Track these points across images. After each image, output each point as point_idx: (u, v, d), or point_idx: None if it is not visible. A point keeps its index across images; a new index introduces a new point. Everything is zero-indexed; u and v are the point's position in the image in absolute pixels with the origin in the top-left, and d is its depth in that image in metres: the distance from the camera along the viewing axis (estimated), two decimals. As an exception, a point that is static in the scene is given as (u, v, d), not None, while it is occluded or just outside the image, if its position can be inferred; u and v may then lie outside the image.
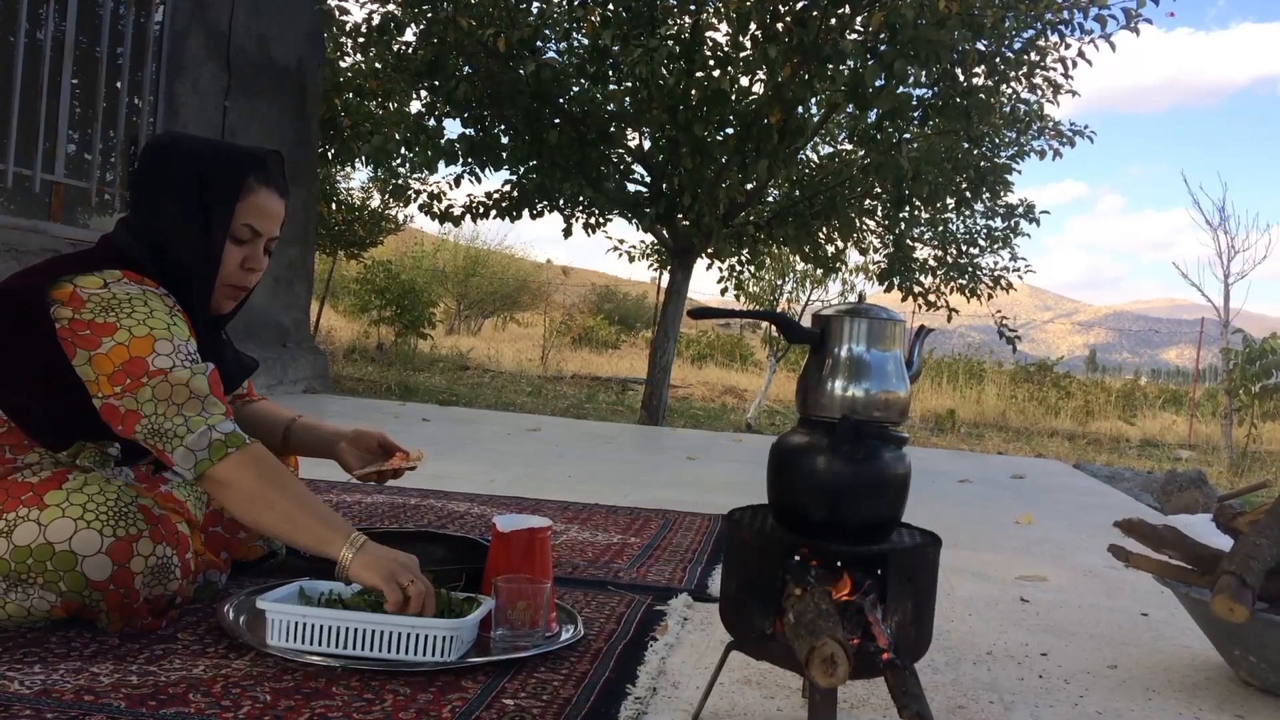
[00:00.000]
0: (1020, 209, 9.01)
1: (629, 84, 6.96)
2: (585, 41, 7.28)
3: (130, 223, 1.81)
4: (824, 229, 8.54)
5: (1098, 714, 1.74)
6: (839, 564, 1.46)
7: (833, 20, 6.32)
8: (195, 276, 1.79)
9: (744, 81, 7.17)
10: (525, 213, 7.92)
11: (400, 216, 12.12)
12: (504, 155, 7.51)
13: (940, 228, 9.31)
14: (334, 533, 1.67)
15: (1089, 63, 6.73)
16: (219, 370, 1.79)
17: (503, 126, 7.53)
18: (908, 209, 8.44)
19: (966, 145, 7.68)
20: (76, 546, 1.60)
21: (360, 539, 1.67)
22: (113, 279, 1.70)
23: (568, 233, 8.29)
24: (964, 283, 8.90)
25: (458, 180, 7.94)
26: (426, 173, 8.45)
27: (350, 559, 1.63)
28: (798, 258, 9.70)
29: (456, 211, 8.12)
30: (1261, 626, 1.81)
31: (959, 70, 6.49)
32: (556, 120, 7.23)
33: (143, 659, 1.56)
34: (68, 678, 1.47)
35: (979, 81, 6.76)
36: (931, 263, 9.06)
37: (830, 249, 9.02)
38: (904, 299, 8.77)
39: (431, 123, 7.63)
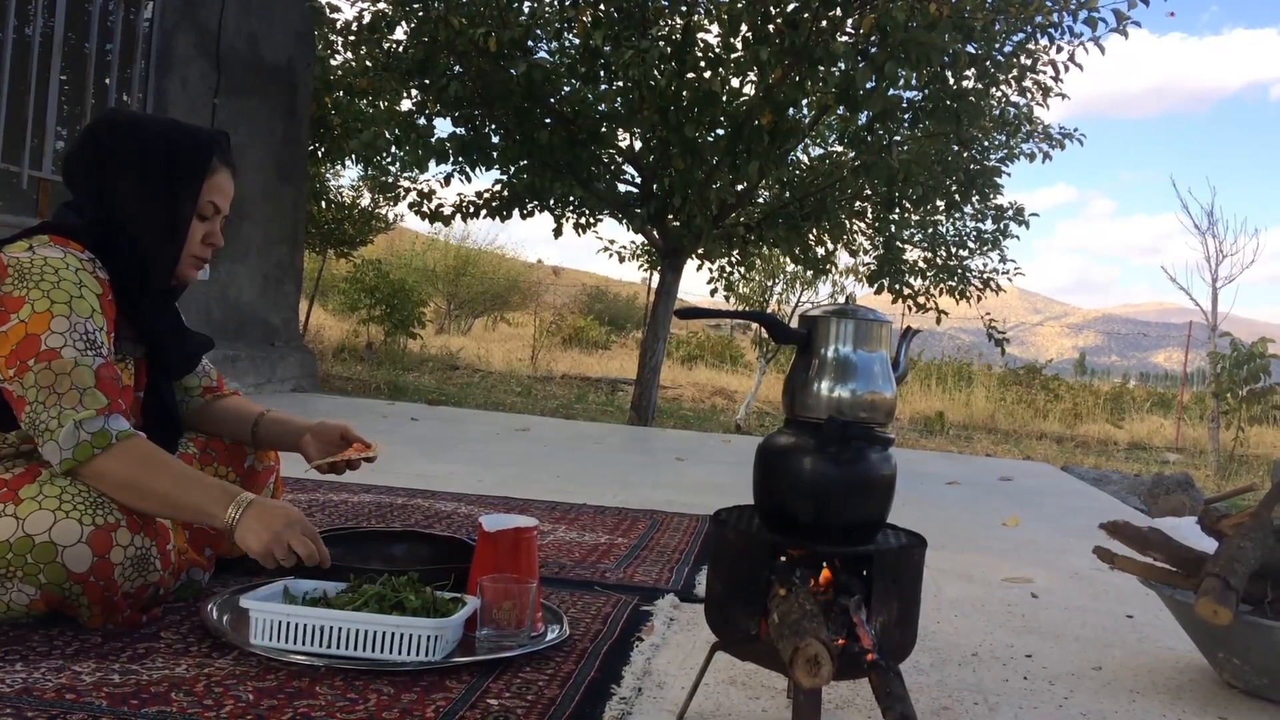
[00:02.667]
0: (1010, 212, 9.05)
1: (620, 84, 6.96)
2: (576, 42, 7.27)
3: (75, 203, 1.82)
4: (814, 230, 8.55)
5: (1082, 715, 1.74)
6: (824, 565, 1.46)
7: (824, 22, 6.33)
8: (156, 251, 1.81)
9: (735, 83, 7.18)
10: (515, 212, 7.93)
11: (390, 215, 12.09)
12: (494, 155, 7.50)
13: (930, 230, 9.33)
14: (215, 505, 1.66)
15: (1080, 67, 6.75)
16: (178, 348, 1.90)
17: (493, 126, 7.53)
18: (897, 211, 8.46)
19: (956, 148, 7.71)
20: (56, 537, 1.59)
21: (247, 500, 1.66)
22: (39, 243, 1.72)
23: (558, 233, 8.29)
24: (953, 285, 8.93)
25: (448, 179, 7.94)
26: (416, 171, 8.44)
27: (236, 519, 1.64)
28: (788, 259, 9.71)
29: (446, 211, 8.11)
30: (1245, 629, 1.82)
31: (949, 73, 6.51)
32: (547, 120, 7.22)
33: (125, 658, 1.56)
34: (49, 676, 1.46)
35: (969, 84, 6.78)
36: (921, 265, 9.09)
37: (820, 250, 9.03)
38: (894, 301, 8.80)
39: (422, 121, 7.62)
